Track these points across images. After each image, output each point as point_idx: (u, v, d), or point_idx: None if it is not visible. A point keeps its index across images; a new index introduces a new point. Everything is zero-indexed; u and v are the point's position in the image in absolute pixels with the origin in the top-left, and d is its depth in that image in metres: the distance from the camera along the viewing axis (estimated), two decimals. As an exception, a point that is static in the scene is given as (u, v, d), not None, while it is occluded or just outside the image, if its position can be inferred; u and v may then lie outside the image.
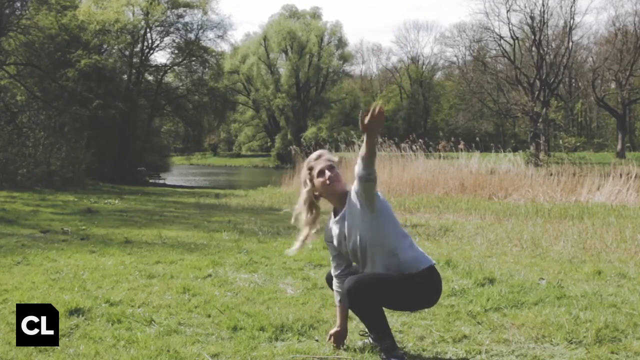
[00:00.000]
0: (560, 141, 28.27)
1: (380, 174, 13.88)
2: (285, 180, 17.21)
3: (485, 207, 10.44)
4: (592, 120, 58.15)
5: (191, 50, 29.00)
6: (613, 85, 45.57)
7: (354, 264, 3.13)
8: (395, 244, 2.94)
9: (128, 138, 25.72)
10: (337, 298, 3.12)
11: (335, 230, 3.06)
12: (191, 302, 3.96)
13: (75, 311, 3.61)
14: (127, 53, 27.57)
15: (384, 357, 2.86)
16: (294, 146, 18.23)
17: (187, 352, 3.00)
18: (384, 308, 2.97)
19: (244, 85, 53.43)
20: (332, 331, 3.13)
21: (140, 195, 15.03)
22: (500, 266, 5.28)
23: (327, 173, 3.01)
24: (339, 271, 3.11)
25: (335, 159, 3.07)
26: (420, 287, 2.92)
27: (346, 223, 2.99)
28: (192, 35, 29.45)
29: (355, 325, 3.48)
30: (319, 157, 3.06)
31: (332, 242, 3.10)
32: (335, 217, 3.08)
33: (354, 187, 2.96)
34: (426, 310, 3.80)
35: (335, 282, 3.14)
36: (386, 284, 2.88)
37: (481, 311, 3.76)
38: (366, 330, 3.29)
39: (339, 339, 3.09)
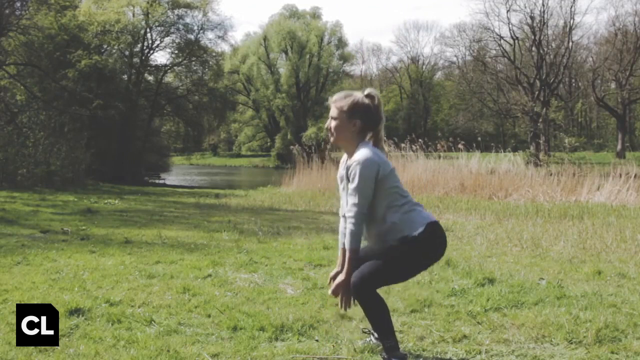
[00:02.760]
0: (566, 141, 28.30)
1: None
2: (285, 180, 17.20)
3: (485, 207, 10.44)
4: (592, 120, 58.18)
5: (191, 50, 29.04)
6: (613, 85, 45.61)
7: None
8: (384, 213, 2.85)
9: (128, 138, 25.73)
10: (340, 240, 3.03)
11: (340, 171, 3.00)
12: (191, 302, 3.95)
13: (75, 311, 3.61)
14: (127, 53, 27.60)
15: (386, 356, 2.86)
16: (296, 146, 18.23)
17: (187, 352, 3.00)
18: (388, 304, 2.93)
19: (244, 85, 53.45)
20: (332, 273, 2.99)
21: (140, 195, 15.03)
22: (500, 266, 5.28)
23: (327, 123, 2.98)
24: (344, 211, 3.00)
25: (344, 102, 2.92)
26: (421, 250, 2.85)
27: (344, 173, 2.90)
28: (192, 36, 29.51)
29: (355, 325, 3.49)
30: (332, 101, 2.96)
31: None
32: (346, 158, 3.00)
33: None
34: (426, 310, 3.81)
35: (341, 223, 3.04)
36: (388, 267, 2.82)
37: (481, 311, 3.76)
38: (368, 328, 3.30)
39: (343, 287, 2.84)
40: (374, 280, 2.83)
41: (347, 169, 2.86)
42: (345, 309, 2.86)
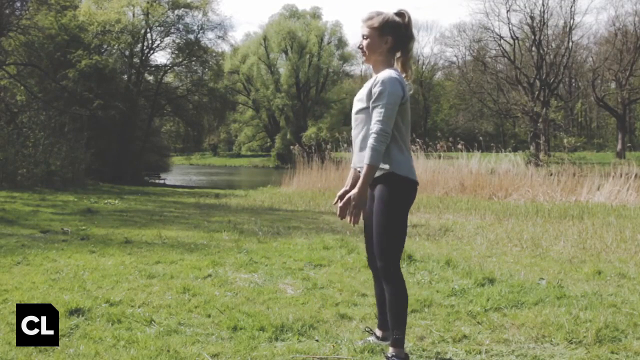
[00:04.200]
0: (565, 141, 28.30)
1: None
2: (285, 181, 17.20)
3: (485, 207, 10.45)
4: (592, 120, 58.22)
5: (191, 50, 29.04)
6: (613, 85, 45.62)
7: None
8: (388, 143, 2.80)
9: (128, 138, 25.74)
10: (353, 160, 2.99)
11: (359, 94, 2.97)
12: (191, 302, 3.95)
13: (75, 311, 3.61)
14: (127, 53, 27.61)
15: (391, 353, 2.83)
16: (296, 146, 18.22)
17: (187, 352, 3.00)
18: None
19: (244, 85, 53.44)
20: (340, 192, 2.95)
21: (140, 195, 15.02)
22: (500, 266, 5.28)
23: (359, 43, 2.96)
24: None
25: (375, 20, 2.89)
26: (399, 191, 2.83)
27: (366, 92, 2.86)
28: (192, 36, 29.51)
29: (355, 325, 3.49)
30: (363, 20, 2.94)
31: None
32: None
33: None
34: (426, 310, 3.81)
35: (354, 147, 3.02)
36: (386, 222, 2.80)
37: (481, 311, 3.76)
38: (369, 327, 3.29)
39: (356, 200, 2.75)
40: (390, 246, 2.81)
41: (371, 88, 2.82)
42: (354, 224, 2.79)
